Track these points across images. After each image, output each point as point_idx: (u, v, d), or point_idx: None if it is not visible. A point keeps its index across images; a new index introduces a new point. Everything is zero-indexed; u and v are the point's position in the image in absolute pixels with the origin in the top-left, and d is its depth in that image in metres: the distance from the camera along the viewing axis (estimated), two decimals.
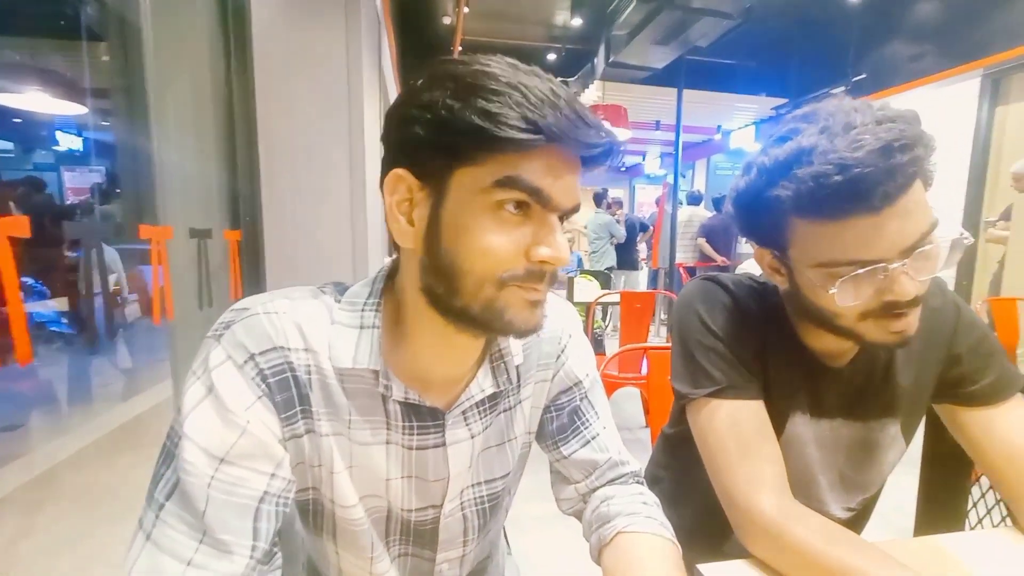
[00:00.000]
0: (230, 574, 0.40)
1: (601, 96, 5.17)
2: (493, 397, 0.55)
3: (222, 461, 0.41)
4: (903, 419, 0.69)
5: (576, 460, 0.60)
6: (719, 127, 7.45)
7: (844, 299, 0.55)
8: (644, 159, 10.23)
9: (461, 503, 0.56)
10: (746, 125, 6.88)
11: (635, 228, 5.67)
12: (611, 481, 0.60)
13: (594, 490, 0.60)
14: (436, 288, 0.44)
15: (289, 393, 0.46)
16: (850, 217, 0.51)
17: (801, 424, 0.69)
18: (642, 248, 7.54)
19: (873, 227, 0.51)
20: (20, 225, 0.60)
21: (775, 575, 0.56)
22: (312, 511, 0.53)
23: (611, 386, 2.32)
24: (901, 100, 4.34)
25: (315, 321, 0.47)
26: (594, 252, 5.30)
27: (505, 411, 0.57)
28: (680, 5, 3.96)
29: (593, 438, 0.60)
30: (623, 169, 11.26)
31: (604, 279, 4.36)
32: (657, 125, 7.01)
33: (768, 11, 4.42)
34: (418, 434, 0.51)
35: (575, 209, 0.44)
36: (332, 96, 1.49)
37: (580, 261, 5.52)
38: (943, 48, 4.01)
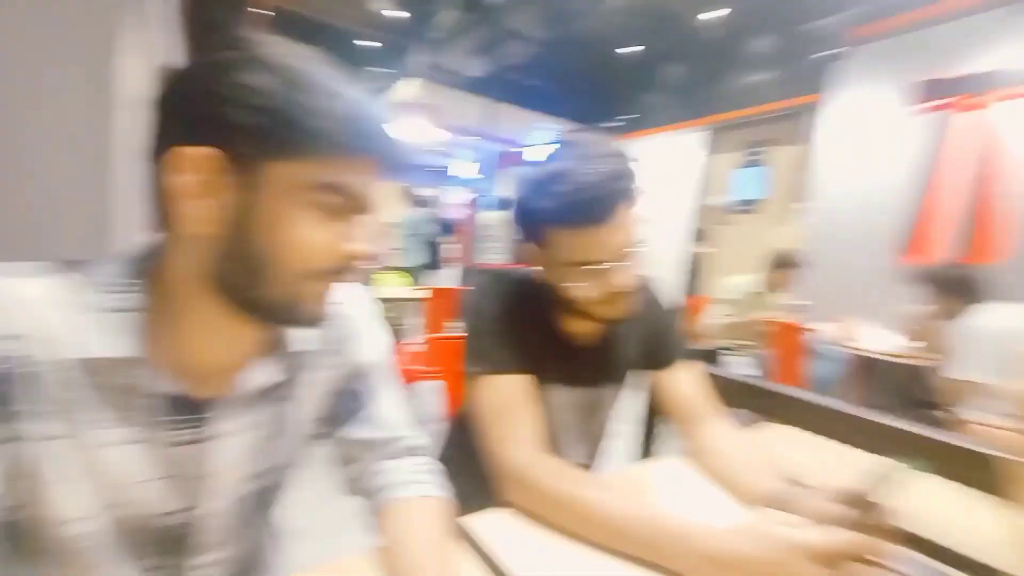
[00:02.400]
0: None
1: (416, 95, 5.22)
2: (274, 386, 0.53)
3: None
4: (620, 382, 0.91)
5: (359, 440, 0.62)
6: (526, 140, 8.18)
7: (581, 290, 0.71)
8: (454, 162, 10.61)
9: (227, 500, 0.52)
10: (548, 143, 7.70)
11: (441, 228, 5.87)
12: (392, 456, 0.63)
13: (373, 464, 0.62)
14: (233, 276, 0.43)
15: None
16: (585, 227, 0.68)
17: (555, 393, 0.85)
18: (449, 248, 7.79)
19: (599, 235, 0.68)
20: None
21: (525, 517, 0.67)
22: (19, 533, 0.44)
23: (415, 379, 2.39)
24: (653, 142, 5.45)
25: (35, 303, 0.41)
26: (404, 249, 5.32)
27: (286, 400, 0.55)
28: (492, 22, 4.26)
29: (374, 416, 0.62)
30: (432, 171, 11.48)
31: (413, 276, 4.43)
32: (469, 131, 7.35)
33: (567, 48, 5.06)
34: (180, 429, 0.47)
35: (373, 211, 0.49)
36: (77, 43, 1.18)
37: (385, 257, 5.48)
38: (685, 104, 5.17)
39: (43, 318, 0.41)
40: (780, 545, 0.52)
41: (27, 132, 1.15)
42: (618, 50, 5.38)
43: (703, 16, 4.10)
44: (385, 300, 2.94)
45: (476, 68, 5.13)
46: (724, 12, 4.07)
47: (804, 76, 3.89)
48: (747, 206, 4.66)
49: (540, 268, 0.78)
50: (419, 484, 0.60)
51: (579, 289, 0.72)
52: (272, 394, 0.54)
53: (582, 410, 0.89)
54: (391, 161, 0.46)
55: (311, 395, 0.58)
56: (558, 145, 0.73)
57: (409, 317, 3.73)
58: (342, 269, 0.45)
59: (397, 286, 3.56)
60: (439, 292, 2.84)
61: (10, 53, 1.13)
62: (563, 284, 0.73)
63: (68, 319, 0.41)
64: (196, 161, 0.40)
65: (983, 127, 2.66)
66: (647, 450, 1.09)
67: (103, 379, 0.43)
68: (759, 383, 0.99)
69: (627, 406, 0.98)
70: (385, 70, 5.68)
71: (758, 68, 4.52)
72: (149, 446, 0.46)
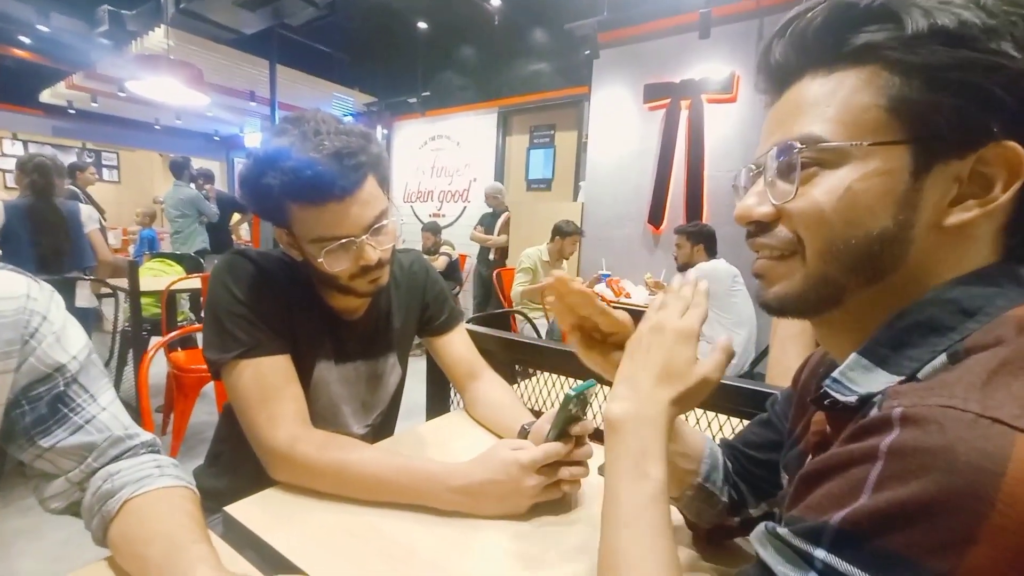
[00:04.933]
0: None
1: (169, 46, 4.34)
2: None
3: None
4: (398, 351, 0.96)
5: (65, 448, 0.54)
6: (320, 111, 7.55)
7: (332, 265, 0.72)
8: (243, 131, 9.28)
9: None
10: (345, 115, 7.27)
11: (230, 207, 5.10)
12: (116, 458, 0.58)
13: (94, 472, 0.56)
14: None
15: None
16: (324, 203, 0.68)
17: (326, 369, 0.85)
18: (243, 230, 6.87)
19: (340, 211, 0.69)
20: None
21: (298, 493, 0.68)
22: None
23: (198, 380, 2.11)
24: (451, 120, 5.59)
25: None
26: (177, 233, 4.48)
27: None
28: None
29: (88, 421, 0.56)
30: (216, 138, 9.87)
31: (193, 264, 3.76)
32: (252, 96, 6.47)
33: (353, 12, 4.76)
34: None
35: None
36: None
37: (153, 242, 4.55)
38: (477, 85, 5.39)
39: None
40: (508, 466, 0.64)
41: None
42: (410, 25, 5.30)
43: (479, 1, 4.29)
44: (144, 294, 2.47)
45: (248, 24, 4.48)
46: (496, 2, 4.31)
47: (575, 69, 4.42)
48: (541, 184, 5.18)
49: (290, 247, 0.76)
50: (153, 479, 0.57)
51: (329, 265, 0.72)
52: None
53: (360, 382, 0.91)
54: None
55: None
56: (289, 122, 0.70)
57: (184, 312, 3.21)
58: None
59: (157, 276, 3.02)
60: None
61: None
62: (314, 261, 0.73)
63: None
64: None
65: (693, 123, 3.42)
66: (441, 409, 1.18)
67: None
68: (524, 340, 1.15)
69: (417, 371, 1.04)
70: (132, 13, 4.58)
71: (537, 58, 4.96)
72: None
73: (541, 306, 3.19)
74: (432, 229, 4.52)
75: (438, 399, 1.17)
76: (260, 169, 0.67)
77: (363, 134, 0.72)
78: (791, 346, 1.01)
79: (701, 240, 2.54)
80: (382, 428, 0.99)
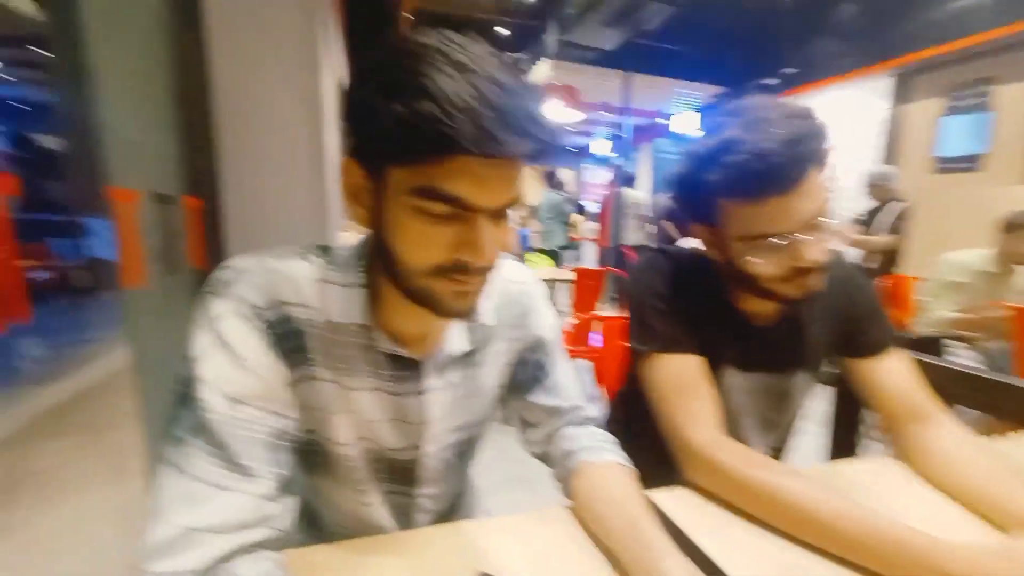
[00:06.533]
0: (259, 493, 0.45)
1: (552, 76, 5.22)
2: (466, 354, 0.62)
3: (238, 401, 0.46)
4: (811, 369, 0.83)
5: (542, 406, 0.69)
6: (664, 111, 7.69)
7: (759, 265, 0.66)
8: (592, 140, 10.41)
9: (440, 446, 0.63)
10: (688, 110, 7.16)
11: (576, 209, 5.82)
12: (573, 423, 0.69)
13: (558, 430, 0.69)
14: (385, 267, 0.50)
15: (291, 343, 0.51)
16: (765, 197, 0.63)
17: (731, 376, 0.81)
18: (582, 229, 7.70)
19: (782, 205, 0.63)
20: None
21: (708, 497, 0.67)
22: (311, 451, 0.58)
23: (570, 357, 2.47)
24: (822, 94, 4.70)
25: (305, 278, 0.52)
26: (545, 232, 5.42)
27: (478, 366, 0.64)
28: None
29: (556, 386, 0.69)
30: (573, 151, 11.41)
31: (555, 257, 4.49)
32: (605, 107, 7.14)
33: (710, 3, 4.59)
34: (400, 382, 0.57)
35: (508, 205, 0.46)
36: (291, 61, 1.45)
37: (525, 239, 5.62)
38: (860, 48, 4.36)
39: (310, 289, 0.52)
40: None
41: (256, 148, 1.46)
42: None
43: None
44: None
45: (609, 40, 4.94)
46: None
47: None
48: (962, 163, 3.77)
49: (711, 245, 0.74)
50: (605, 451, 0.65)
51: (758, 265, 0.67)
52: (465, 360, 0.62)
53: (763, 396, 0.83)
54: (534, 152, 0.43)
55: (496, 363, 0.66)
56: (728, 113, 0.68)
57: (556, 298, 3.84)
58: (460, 269, 0.46)
59: (543, 268, 3.68)
60: (584, 273, 2.87)
61: (252, 98, 1.44)
62: (740, 260, 0.69)
63: (322, 291, 0.53)
64: (344, 168, 0.48)
65: None
66: (843, 448, 0.98)
67: (346, 339, 0.54)
68: (992, 375, 0.83)
69: (818, 397, 0.89)
70: (520, 55, 5.78)
71: None
72: (381, 394, 0.57)
73: (973, 334, 2.23)
74: None
75: (845, 436, 0.97)
76: (700, 167, 0.67)
77: (811, 116, 0.63)
78: None
79: None
80: (780, 454, 0.88)
